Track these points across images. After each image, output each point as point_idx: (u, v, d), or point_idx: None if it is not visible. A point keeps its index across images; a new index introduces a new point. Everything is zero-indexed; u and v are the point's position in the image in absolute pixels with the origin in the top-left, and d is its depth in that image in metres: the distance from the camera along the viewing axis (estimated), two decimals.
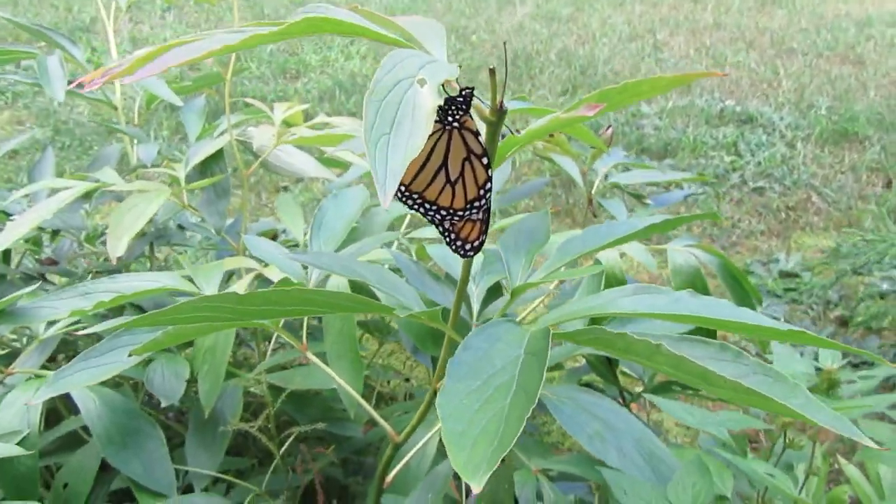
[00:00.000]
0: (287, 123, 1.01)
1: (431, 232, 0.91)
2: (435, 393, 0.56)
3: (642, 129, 2.83)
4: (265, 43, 0.30)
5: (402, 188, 0.37)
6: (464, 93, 0.35)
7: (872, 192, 2.38)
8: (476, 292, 0.81)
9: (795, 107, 2.97)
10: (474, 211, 0.37)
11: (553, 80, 3.33)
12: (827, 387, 0.65)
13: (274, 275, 0.83)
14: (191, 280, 0.65)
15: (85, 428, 0.81)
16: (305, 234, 0.95)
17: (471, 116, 0.35)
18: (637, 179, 1.07)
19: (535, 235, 0.53)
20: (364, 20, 0.32)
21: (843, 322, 1.77)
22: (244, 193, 0.99)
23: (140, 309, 0.84)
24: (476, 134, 0.35)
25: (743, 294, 0.95)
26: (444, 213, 0.37)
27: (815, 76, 3.27)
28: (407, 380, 1.32)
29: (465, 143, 0.35)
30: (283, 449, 0.79)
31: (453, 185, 0.36)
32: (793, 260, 2.03)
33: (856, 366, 1.49)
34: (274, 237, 1.21)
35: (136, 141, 1.16)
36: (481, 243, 0.39)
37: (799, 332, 0.37)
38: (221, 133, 1.02)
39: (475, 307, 0.78)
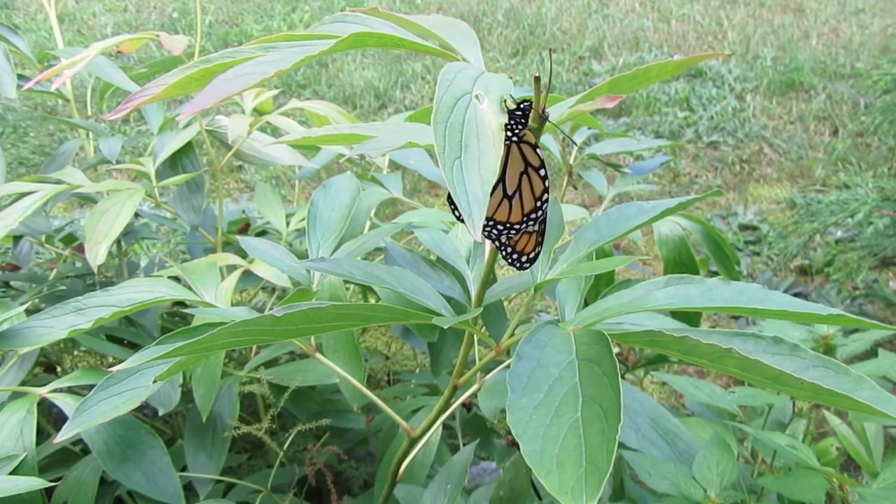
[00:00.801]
0: (258, 111, 0.97)
1: (420, 217, 0.90)
2: (455, 389, 0.56)
3: (550, 83, 2.85)
4: (311, 59, 0.28)
5: None
6: (522, 106, 0.34)
7: (821, 140, 2.44)
8: (472, 276, 0.80)
9: (742, 58, 3.01)
10: (530, 223, 0.36)
11: (502, 41, 3.30)
12: (824, 351, 0.66)
13: (261, 271, 0.81)
14: (187, 286, 0.63)
15: (75, 442, 0.78)
16: (288, 226, 0.93)
17: (528, 129, 0.34)
18: (613, 149, 1.07)
19: (550, 226, 0.53)
20: (402, 30, 0.31)
21: (803, 271, 1.83)
22: (218, 186, 0.95)
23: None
24: (534, 147, 0.34)
25: (724, 257, 0.97)
26: (500, 227, 0.36)
27: (758, 26, 3.31)
28: (387, 358, 1.32)
29: (523, 156, 0.34)
30: (285, 445, 0.78)
31: (510, 199, 0.35)
32: (750, 212, 2.08)
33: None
34: (247, 226, 1.17)
35: (90, 134, 1.11)
36: (537, 255, 0.38)
37: (839, 315, 0.38)
38: (189, 123, 0.98)
39: (472, 291, 0.77)
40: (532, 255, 0.38)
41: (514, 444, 0.74)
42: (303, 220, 0.91)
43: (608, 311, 0.42)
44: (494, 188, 0.35)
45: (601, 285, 0.89)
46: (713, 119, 2.55)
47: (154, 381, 0.44)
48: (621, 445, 0.65)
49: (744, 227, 2.03)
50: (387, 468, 0.78)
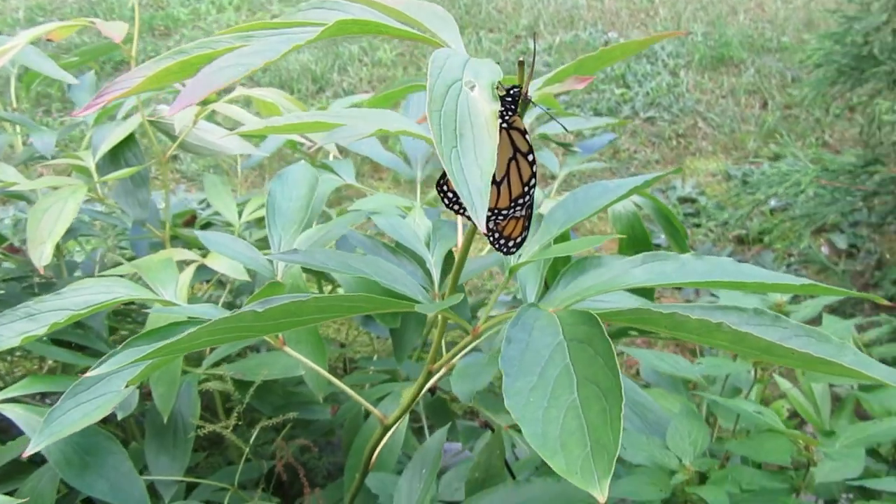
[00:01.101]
0: (204, 100, 0.94)
1: (374, 203, 0.89)
2: (430, 374, 0.55)
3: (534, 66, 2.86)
4: (297, 49, 0.27)
5: (451, 193, 0.35)
6: (512, 92, 0.33)
7: (751, 113, 2.52)
8: (433, 260, 0.80)
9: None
10: (518, 208, 0.36)
11: None
12: None
13: (217, 264, 0.79)
14: (144, 284, 0.60)
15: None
16: (241, 217, 0.91)
17: (518, 115, 0.33)
18: (562, 129, 1.07)
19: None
20: (383, 16, 0.30)
21: (741, 240, 1.90)
22: (164, 178, 0.92)
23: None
24: (524, 133, 0.34)
25: (674, 231, 0.99)
26: (489, 213, 0.36)
27: (688, 3, 3.38)
28: (343, 346, 1.31)
29: (513, 143, 0.34)
30: (251, 441, 0.76)
31: (499, 185, 0.35)
32: (688, 185, 2.14)
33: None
34: (193, 218, 1.14)
35: (18, 128, 1.06)
36: (524, 239, 0.38)
37: (812, 285, 0.39)
38: (128, 114, 0.94)
39: (435, 276, 0.77)
40: (519, 240, 0.38)
41: (486, 426, 0.74)
42: (255, 211, 0.89)
43: (589, 290, 0.42)
44: None
45: (559, 265, 0.90)
46: (649, 95, 2.60)
47: (126, 386, 0.43)
48: None
49: (683, 200, 2.09)
50: (357, 458, 0.77)
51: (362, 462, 0.73)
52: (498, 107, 0.27)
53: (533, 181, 0.36)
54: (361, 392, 0.88)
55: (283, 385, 0.85)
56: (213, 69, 0.26)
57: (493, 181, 0.35)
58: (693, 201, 2.08)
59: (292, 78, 2.84)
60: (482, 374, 0.60)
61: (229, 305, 1.01)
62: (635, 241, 0.93)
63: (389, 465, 0.80)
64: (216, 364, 0.83)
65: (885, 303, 0.37)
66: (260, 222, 0.93)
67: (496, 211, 0.36)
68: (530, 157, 0.35)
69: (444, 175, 0.36)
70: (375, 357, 1.19)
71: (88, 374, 0.40)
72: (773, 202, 1.95)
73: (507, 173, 0.35)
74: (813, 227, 1.23)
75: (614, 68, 2.76)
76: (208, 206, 1.08)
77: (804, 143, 2.26)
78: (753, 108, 2.57)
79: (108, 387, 0.42)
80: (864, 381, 0.31)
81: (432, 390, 0.94)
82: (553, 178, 1.05)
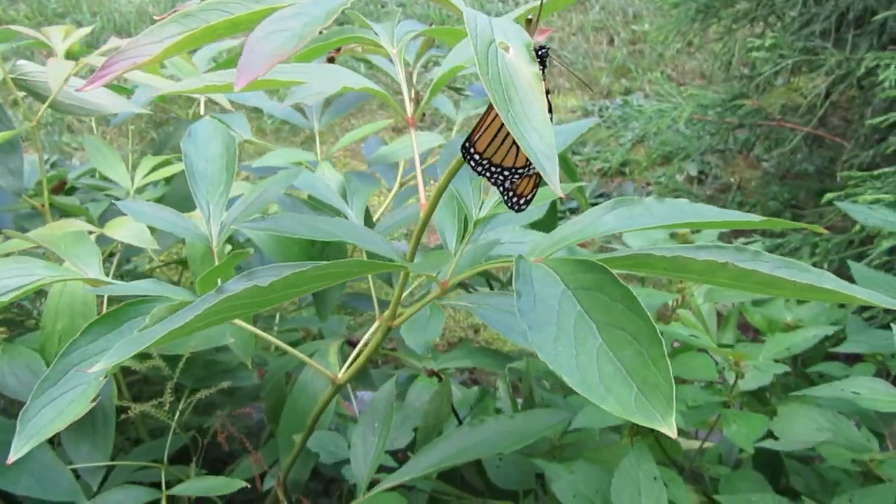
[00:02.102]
0: (69, 54, 0.85)
1: (280, 159, 0.85)
2: (389, 329, 0.55)
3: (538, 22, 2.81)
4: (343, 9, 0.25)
5: (478, 156, 0.35)
6: (540, 52, 0.33)
7: (601, 50, 2.64)
8: (353, 214, 0.79)
9: None
10: (532, 167, 0.36)
11: None
12: None
13: (118, 233, 0.73)
14: (59, 261, 0.55)
15: None
16: (133, 181, 0.84)
17: (544, 74, 0.33)
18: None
19: None
20: None
21: (604, 173, 2.01)
22: (36, 142, 0.83)
23: None
24: (547, 92, 0.34)
25: (569, 171, 1.04)
26: (506, 173, 0.36)
27: None
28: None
29: None
30: (178, 416, 0.73)
31: (516, 145, 0.35)
32: None
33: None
34: (63, 184, 1.04)
35: None
36: (534, 196, 0.39)
37: (769, 219, 0.43)
38: None
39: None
40: (529, 197, 0.39)
41: (433, 374, 0.76)
42: (147, 174, 0.83)
43: (565, 238, 0.44)
44: (498, 135, 0.35)
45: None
46: None
47: (105, 377, 0.40)
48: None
49: None
50: (292, 420, 0.76)
51: (306, 423, 0.72)
52: (537, 68, 0.27)
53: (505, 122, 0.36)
54: (284, 356, 0.87)
55: (202, 356, 0.81)
56: (261, 37, 0.23)
57: (514, 142, 0.36)
58: None
59: (127, 22, 2.61)
60: (431, 325, 0.61)
61: (122, 276, 0.94)
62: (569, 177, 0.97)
63: (325, 424, 0.80)
64: None
65: (823, 231, 0.42)
66: (157, 186, 0.87)
67: (514, 170, 0.36)
68: (550, 115, 0.35)
69: (469, 138, 0.36)
70: (278, 317, 1.16)
71: (51, 371, 0.37)
72: (629, 135, 2.07)
73: None
74: (677, 158, 1.33)
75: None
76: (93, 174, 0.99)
77: (650, 77, 2.41)
78: (601, 44, 2.69)
79: (79, 378, 0.39)
80: (856, 303, 0.35)
81: (354, 343, 0.94)
82: (451, 121, 1.05)
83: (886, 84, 0.77)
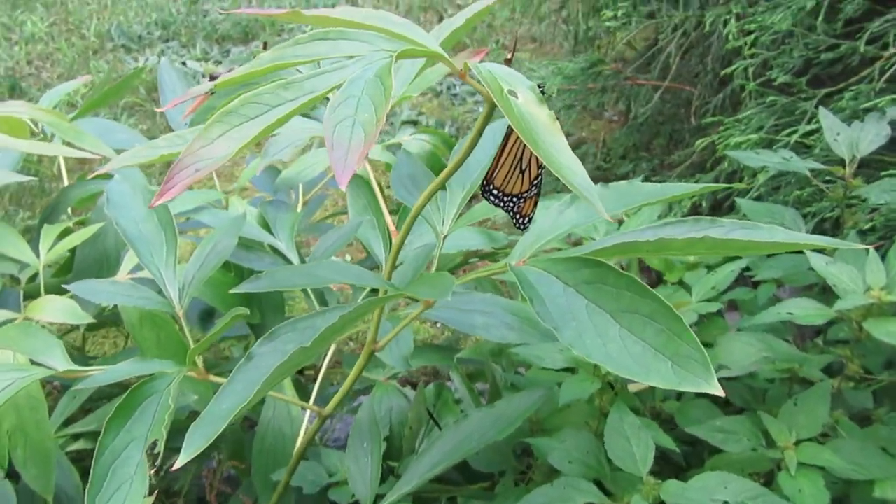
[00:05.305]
0: None
1: (188, 203, 0.83)
2: (371, 353, 0.57)
3: (209, 15, 2.72)
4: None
5: (496, 191, 0.38)
6: (540, 88, 0.36)
7: (433, 29, 2.70)
8: (284, 247, 0.79)
9: None
10: (533, 188, 0.39)
11: None
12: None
13: (47, 315, 0.70)
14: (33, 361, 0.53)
15: None
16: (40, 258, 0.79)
17: None
18: None
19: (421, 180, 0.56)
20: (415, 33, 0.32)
21: None
22: None
23: None
24: None
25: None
26: (515, 199, 0.39)
27: None
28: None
29: None
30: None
31: (524, 172, 0.38)
32: (405, 108, 2.26)
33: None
34: None
35: None
36: (534, 214, 0.42)
37: (706, 185, 0.49)
38: None
39: (294, 259, 0.77)
40: (531, 216, 0.42)
41: (407, 383, 0.78)
42: (51, 249, 0.78)
43: (540, 238, 0.48)
44: (512, 169, 0.38)
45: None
46: None
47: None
48: (509, 345, 0.74)
49: (405, 122, 2.21)
50: (265, 459, 0.76)
51: (282, 461, 0.73)
52: (549, 110, 0.31)
53: (544, 163, 0.40)
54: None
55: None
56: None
57: (520, 169, 0.39)
58: (415, 123, 2.21)
59: None
60: (403, 339, 0.64)
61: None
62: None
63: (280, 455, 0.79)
64: (64, 424, 0.75)
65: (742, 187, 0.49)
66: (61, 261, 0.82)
67: (520, 195, 0.40)
68: None
69: (486, 178, 0.39)
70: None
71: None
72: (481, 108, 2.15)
73: (530, 160, 0.38)
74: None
75: None
76: None
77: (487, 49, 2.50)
78: (433, 23, 2.75)
79: (120, 478, 0.38)
80: (809, 248, 0.42)
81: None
82: None
83: (730, 37, 0.88)
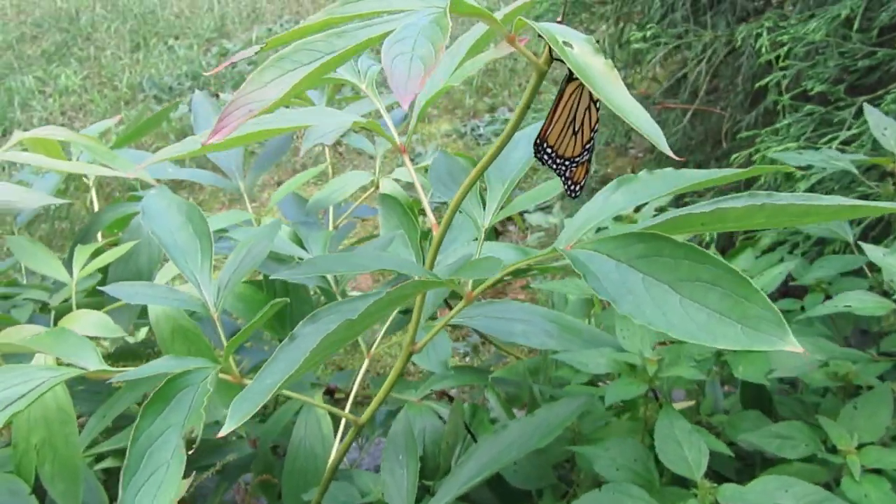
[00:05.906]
0: None
1: (222, 223, 0.83)
2: (410, 354, 0.56)
3: (237, 66, 2.78)
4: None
5: (549, 150, 0.37)
6: None
7: None
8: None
9: None
10: (586, 153, 0.39)
11: (117, 36, 3.02)
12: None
13: (78, 328, 0.69)
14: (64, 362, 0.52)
15: None
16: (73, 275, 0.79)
17: None
18: None
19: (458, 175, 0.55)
20: None
21: None
22: None
23: None
24: None
25: None
26: (568, 162, 0.38)
27: None
28: None
29: (589, 94, 0.36)
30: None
31: (577, 134, 0.37)
32: (430, 149, 2.28)
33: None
34: None
35: None
36: (585, 182, 0.41)
37: (755, 168, 0.48)
38: None
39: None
40: (583, 183, 0.41)
41: (444, 395, 0.76)
42: (87, 265, 0.78)
43: (588, 221, 0.47)
44: (566, 127, 0.37)
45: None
46: None
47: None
48: (548, 353, 0.72)
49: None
50: (296, 478, 0.73)
51: (324, 473, 0.70)
52: (606, 59, 0.30)
53: (597, 126, 0.39)
54: (264, 423, 0.84)
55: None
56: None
57: (573, 130, 0.38)
58: None
59: None
60: (440, 344, 0.62)
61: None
62: None
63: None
64: (92, 444, 0.74)
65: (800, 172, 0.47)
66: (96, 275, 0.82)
67: (572, 159, 0.39)
68: (597, 105, 0.38)
69: (540, 135, 0.38)
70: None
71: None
72: None
73: (583, 122, 0.38)
74: None
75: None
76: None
77: (510, 91, 2.53)
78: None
79: (157, 460, 0.37)
80: (868, 214, 0.40)
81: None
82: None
83: (763, 50, 0.87)
